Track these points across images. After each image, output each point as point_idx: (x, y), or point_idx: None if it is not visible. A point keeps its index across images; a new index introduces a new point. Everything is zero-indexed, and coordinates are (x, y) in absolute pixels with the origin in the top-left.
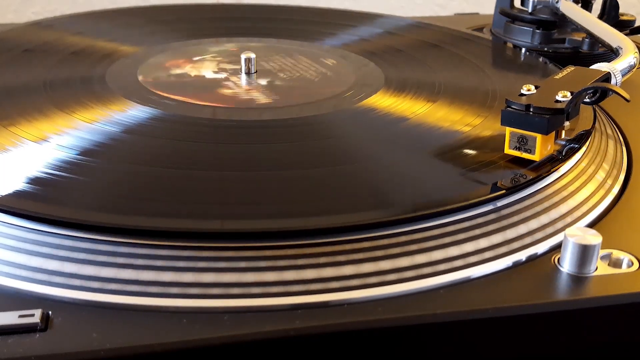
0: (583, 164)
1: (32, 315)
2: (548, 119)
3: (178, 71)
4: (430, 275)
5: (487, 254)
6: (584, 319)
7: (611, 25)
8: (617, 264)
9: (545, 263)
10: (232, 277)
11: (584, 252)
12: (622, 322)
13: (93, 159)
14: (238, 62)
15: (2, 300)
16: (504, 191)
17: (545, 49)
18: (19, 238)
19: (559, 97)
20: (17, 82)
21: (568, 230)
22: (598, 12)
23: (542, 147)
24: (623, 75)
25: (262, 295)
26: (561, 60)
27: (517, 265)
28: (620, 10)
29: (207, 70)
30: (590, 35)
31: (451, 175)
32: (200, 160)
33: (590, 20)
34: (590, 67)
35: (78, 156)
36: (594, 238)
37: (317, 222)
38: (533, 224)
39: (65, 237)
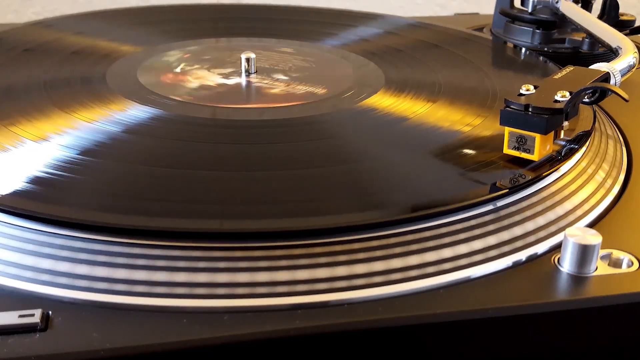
0: (583, 164)
1: (32, 315)
2: (547, 119)
3: (185, 81)
4: (430, 275)
5: (487, 254)
6: (584, 319)
7: (611, 25)
8: (617, 264)
9: (545, 263)
10: (232, 277)
11: (584, 252)
12: (622, 322)
13: (93, 159)
14: (227, 63)
15: (2, 300)
16: (504, 191)
17: (545, 49)
18: (19, 238)
19: (557, 97)
20: (17, 82)
21: (568, 230)
22: (598, 12)
23: (541, 147)
24: (622, 75)
25: (262, 295)
26: (561, 60)
27: (517, 265)
28: (620, 10)
29: (209, 74)
30: (590, 35)
31: (451, 175)
32: (200, 160)
33: (590, 20)
34: (590, 67)
35: (78, 156)
36: (594, 238)
37: (317, 222)
38: (533, 224)
39: (65, 237)
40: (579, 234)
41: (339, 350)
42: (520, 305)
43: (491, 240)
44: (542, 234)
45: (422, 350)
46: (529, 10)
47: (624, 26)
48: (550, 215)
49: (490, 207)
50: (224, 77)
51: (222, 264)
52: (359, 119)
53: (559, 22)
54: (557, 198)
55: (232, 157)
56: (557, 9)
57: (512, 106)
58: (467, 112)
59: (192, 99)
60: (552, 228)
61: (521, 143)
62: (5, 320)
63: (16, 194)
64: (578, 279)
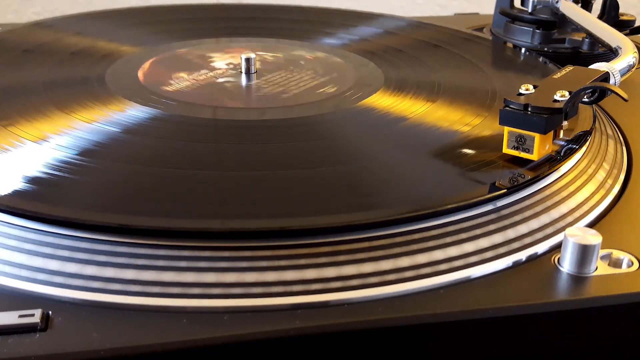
0: (583, 164)
1: (32, 315)
2: (546, 118)
3: (186, 81)
4: (430, 275)
5: (487, 254)
6: (584, 319)
7: (611, 25)
8: (617, 264)
9: (545, 263)
10: (232, 277)
11: (584, 252)
12: (622, 322)
13: (93, 159)
14: (227, 64)
15: (2, 300)
16: (503, 191)
17: (545, 49)
18: (19, 238)
19: (557, 97)
20: (17, 82)
21: (568, 230)
22: (598, 12)
23: (540, 146)
24: (622, 75)
25: (262, 295)
26: (561, 60)
27: (517, 265)
28: (620, 10)
29: (209, 74)
30: (590, 35)
31: (450, 175)
32: (200, 160)
33: (590, 20)
34: (589, 67)
35: (78, 156)
36: (594, 238)
37: (317, 221)
38: (533, 223)
39: (65, 237)
40: (579, 234)
41: (339, 350)
42: (520, 305)
43: (491, 240)
44: (542, 233)
45: (422, 350)
46: (529, 10)
47: (624, 26)
48: (550, 215)
49: (490, 206)
50: (224, 77)
51: (222, 264)
52: (359, 119)
53: (559, 22)
54: (557, 198)
55: (233, 157)
56: (557, 9)
57: (511, 106)
58: (466, 111)
59: (193, 99)
60: (552, 228)
61: (520, 143)
62: (5, 320)
63: (16, 194)
64: (578, 279)
